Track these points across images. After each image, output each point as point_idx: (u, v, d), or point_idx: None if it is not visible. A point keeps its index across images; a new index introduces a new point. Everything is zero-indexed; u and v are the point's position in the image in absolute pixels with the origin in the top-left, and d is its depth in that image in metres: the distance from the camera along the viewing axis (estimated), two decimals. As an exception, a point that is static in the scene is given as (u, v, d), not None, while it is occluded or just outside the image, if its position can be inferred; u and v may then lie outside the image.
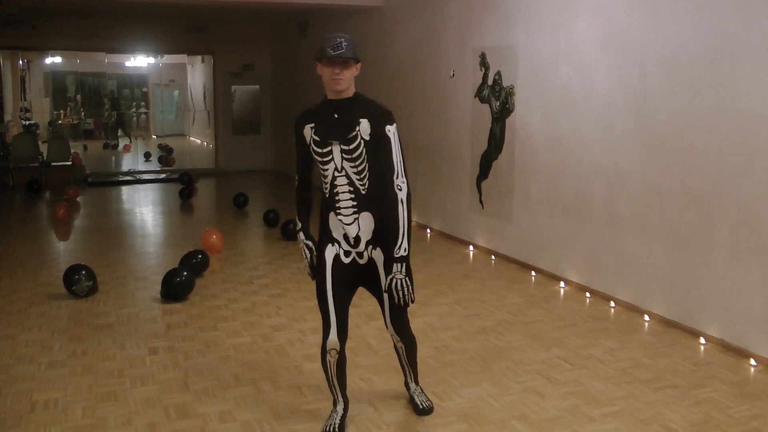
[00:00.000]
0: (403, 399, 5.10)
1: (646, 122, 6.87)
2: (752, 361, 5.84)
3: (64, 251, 10.10)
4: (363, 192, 4.28)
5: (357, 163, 4.24)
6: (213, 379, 5.47)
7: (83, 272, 7.57)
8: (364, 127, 4.22)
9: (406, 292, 4.28)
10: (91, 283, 7.57)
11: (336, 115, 4.25)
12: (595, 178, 7.57)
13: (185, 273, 7.60)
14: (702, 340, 6.30)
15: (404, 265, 4.26)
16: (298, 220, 4.62)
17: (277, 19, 17.39)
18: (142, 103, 23.03)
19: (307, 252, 4.57)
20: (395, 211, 4.25)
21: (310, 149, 4.34)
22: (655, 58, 6.72)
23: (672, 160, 6.60)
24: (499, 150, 9.19)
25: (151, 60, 21.27)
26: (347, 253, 4.38)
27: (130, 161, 21.28)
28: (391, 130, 4.24)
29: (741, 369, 5.76)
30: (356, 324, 6.61)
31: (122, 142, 22.15)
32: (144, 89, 23.40)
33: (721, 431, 4.68)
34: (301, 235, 4.58)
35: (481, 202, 9.73)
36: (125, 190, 16.47)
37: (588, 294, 7.69)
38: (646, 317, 6.90)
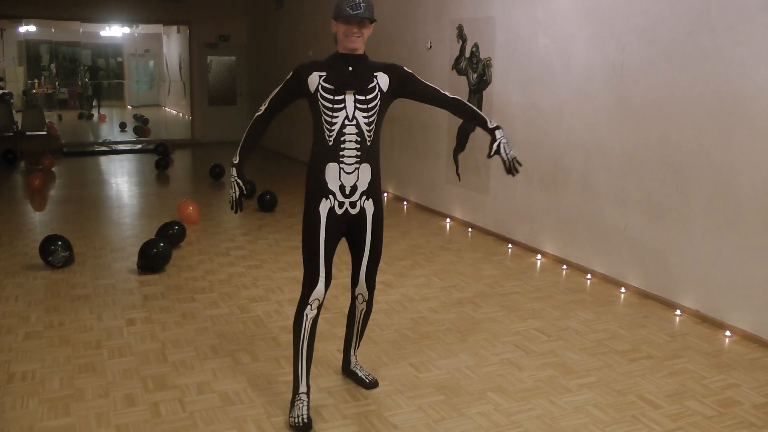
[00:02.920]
0: (383, 369, 5.12)
1: (624, 94, 6.88)
2: (727, 332, 5.91)
3: (39, 222, 10.03)
4: (368, 143, 4.36)
5: (371, 113, 4.35)
6: (191, 351, 5.46)
7: (59, 243, 7.52)
8: (382, 79, 4.41)
9: (513, 155, 4.62)
10: (67, 253, 7.53)
11: (350, 68, 4.35)
12: (573, 150, 7.58)
13: (162, 244, 7.56)
14: (678, 312, 6.36)
15: (503, 132, 4.65)
16: (239, 154, 4.50)
17: (253, -12, 17.25)
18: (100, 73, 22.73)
19: (237, 189, 4.51)
20: (469, 107, 4.70)
21: (314, 100, 4.33)
22: (634, 29, 6.72)
23: (650, 132, 6.62)
24: (477, 122, 9.18)
25: (127, 30, 21.05)
26: (341, 204, 4.40)
27: (106, 131, 21.12)
28: (408, 70, 4.60)
29: (716, 340, 5.82)
30: (334, 295, 6.61)
31: (96, 113, 21.96)
32: (119, 59, 23.18)
33: (697, 401, 4.73)
34: (235, 171, 4.49)
35: (458, 174, 9.74)
36: (101, 161, 16.35)
37: (564, 266, 7.73)
38: (623, 289, 6.95)
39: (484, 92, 9.00)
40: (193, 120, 19.59)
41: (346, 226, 4.48)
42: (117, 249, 8.38)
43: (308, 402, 4.43)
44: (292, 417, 4.37)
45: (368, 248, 4.55)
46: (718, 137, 5.98)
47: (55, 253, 7.45)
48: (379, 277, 7.20)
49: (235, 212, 4.58)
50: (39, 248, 7.57)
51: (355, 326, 4.87)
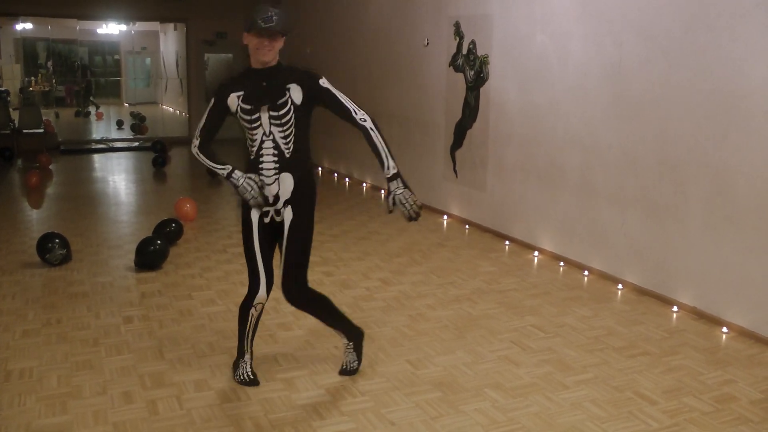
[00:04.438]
0: (380, 366, 5.13)
1: (621, 91, 6.89)
2: (724, 329, 5.91)
3: (37, 219, 10.02)
4: (287, 155, 4.46)
5: (285, 127, 4.43)
6: (188, 348, 5.46)
7: (57, 240, 7.52)
8: (295, 92, 4.41)
9: (411, 203, 4.44)
10: (64, 251, 7.52)
11: (264, 83, 4.42)
12: (570, 147, 7.59)
13: (159, 242, 7.56)
14: (675, 308, 6.36)
15: (400, 180, 4.50)
16: (221, 166, 4.51)
17: (250, -14, 17.23)
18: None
19: (252, 183, 4.49)
20: (372, 138, 4.47)
21: (235, 116, 4.46)
22: (631, 27, 6.73)
23: (647, 130, 6.62)
24: (474, 119, 9.20)
25: (123, 27, 21.03)
26: (266, 213, 4.56)
27: (103, 129, 21.10)
28: (324, 82, 4.47)
29: (713, 336, 5.82)
30: (331, 292, 6.62)
31: (94, 110, 21.94)
32: (116, 57, 23.16)
33: (694, 397, 4.73)
34: (237, 173, 4.50)
35: (455, 171, 9.74)
36: (98, 158, 16.33)
37: (562, 263, 7.74)
38: (620, 286, 6.95)
39: (481, 89, 9.00)
40: (190, 117, 19.57)
41: (275, 233, 4.64)
42: (114, 246, 8.37)
43: (251, 362, 4.89)
44: (236, 375, 4.86)
45: (283, 253, 4.58)
46: (715, 134, 5.98)
47: (53, 250, 7.45)
48: (376, 274, 7.25)
49: (259, 206, 4.54)
50: (36, 246, 7.56)
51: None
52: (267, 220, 4.57)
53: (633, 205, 6.83)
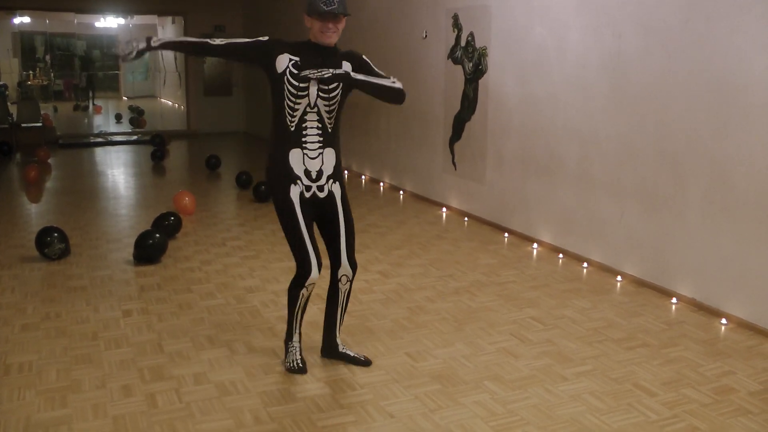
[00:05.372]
0: (379, 359, 5.13)
1: (620, 83, 6.88)
2: (723, 320, 5.91)
3: (35, 213, 10.02)
4: (330, 130, 4.55)
5: (332, 102, 4.50)
6: (187, 341, 5.46)
7: (55, 234, 7.52)
8: (346, 68, 4.49)
9: (323, 75, 4.31)
10: (63, 245, 7.52)
11: (320, 59, 4.45)
12: (569, 139, 7.58)
13: (158, 235, 7.55)
14: (674, 300, 6.36)
15: (345, 75, 4.37)
16: (163, 43, 4.53)
17: (248, -22, 17.21)
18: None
19: (135, 46, 4.46)
20: (390, 88, 4.61)
21: (279, 82, 4.43)
22: (630, 18, 6.72)
23: (646, 121, 6.62)
24: (472, 111, 9.19)
25: (121, 21, 21.00)
26: (308, 188, 4.58)
27: (102, 123, 21.08)
28: (365, 57, 4.66)
29: (712, 328, 5.83)
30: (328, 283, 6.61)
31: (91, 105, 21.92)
32: (114, 50, 23.12)
33: (693, 389, 4.74)
34: (145, 44, 4.46)
35: (454, 163, 9.74)
36: (97, 152, 16.33)
37: (561, 255, 7.74)
38: (619, 277, 6.95)
39: (479, 81, 8.99)
40: (189, 111, 19.55)
41: (316, 210, 4.66)
42: (113, 240, 8.37)
43: (301, 346, 4.93)
44: (288, 362, 4.88)
45: (343, 228, 4.73)
46: (714, 126, 5.97)
47: (52, 244, 7.44)
48: (375, 267, 7.24)
49: (128, 53, 4.50)
50: (35, 240, 7.55)
51: (339, 308, 5.00)
52: (308, 195, 4.58)
53: (632, 196, 6.83)
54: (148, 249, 7.39)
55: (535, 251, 7.96)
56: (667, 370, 5.01)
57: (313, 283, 4.67)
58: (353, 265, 4.84)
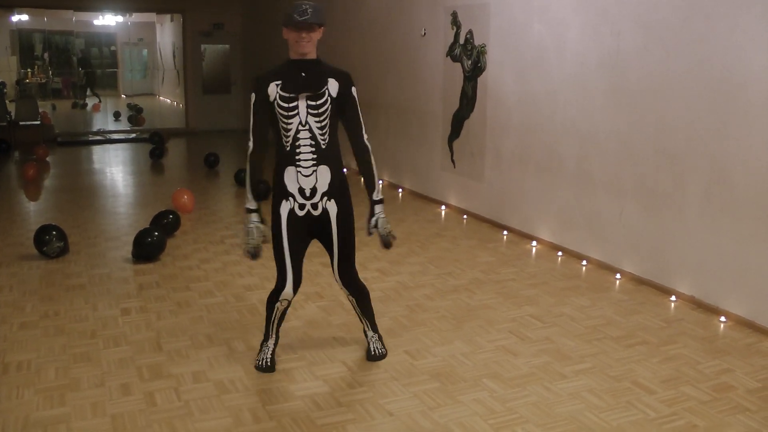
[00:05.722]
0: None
1: (619, 81, 6.88)
2: (722, 318, 5.92)
3: (34, 211, 10.01)
4: (323, 146, 4.58)
5: (322, 117, 4.55)
6: (186, 340, 5.46)
7: (54, 233, 7.52)
8: (332, 85, 4.58)
9: (389, 230, 4.81)
10: (62, 243, 7.52)
11: (303, 74, 4.55)
12: (568, 137, 7.58)
13: (156, 233, 7.55)
14: (673, 298, 6.36)
15: (382, 206, 4.84)
16: (252, 197, 4.67)
17: (247, -24, 17.19)
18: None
19: (255, 234, 4.64)
20: (369, 161, 4.77)
21: (273, 107, 4.54)
22: (629, 16, 6.71)
23: (645, 119, 6.61)
24: (471, 109, 9.18)
25: (120, 18, 20.99)
26: (302, 206, 4.64)
27: (100, 121, 21.06)
28: (354, 90, 4.67)
29: (711, 325, 5.83)
30: (328, 283, 6.63)
31: (91, 102, 21.89)
32: (112, 48, 23.11)
33: (691, 386, 4.74)
34: (255, 217, 4.66)
35: (452, 161, 9.73)
36: (95, 150, 16.31)
37: (560, 252, 7.74)
38: (618, 275, 6.95)
39: (478, 79, 8.99)
40: (187, 109, 19.53)
41: (312, 227, 4.72)
42: (112, 238, 8.37)
43: (273, 348, 4.97)
44: (257, 360, 4.94)
45: (336, 248, 4.77)
46: (713, 124, 5.97)
47: (50, 242, 7.44)
48: (374, 264, 7.24)
49: (253, 259, 4.73)
50: (33, 238, 7.55)
51: (357, 315, 5.16)
52: (302, 213, 4.63)
53: (631, 194, 6.83)
54: (147, 247, 7.39)
55: (534, 249, 7.96)
56: (666, 368, 5.01)
57: (287, 300, 4.74)
58: (345, 282, 4.88)
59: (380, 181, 4.66)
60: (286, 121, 4.53)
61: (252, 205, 4.66)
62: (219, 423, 4.24)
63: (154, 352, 5.23)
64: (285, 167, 4.59)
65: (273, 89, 4.54)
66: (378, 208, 4.80)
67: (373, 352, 5.13)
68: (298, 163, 4.55)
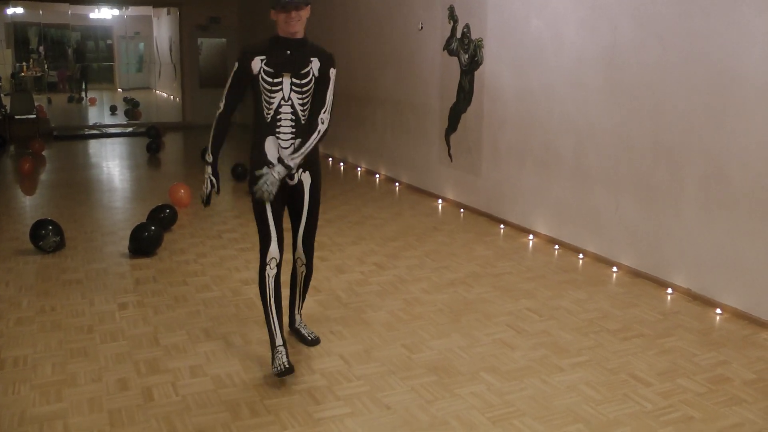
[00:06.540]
0: (376, 350, 5.13)
1: (616, 76, 6.87)
2: (718, 310, 5.92)
3: (30, 206, 10.00)
4: (302, 121, 4.74)
5: (305, 95, 4.72)
6: (183, 334, 5.46)
7: (50, 227, 7.50)
8: (315, 64, 4.72)
9: (269, 186, 4.62)
10: (58, 238, 7.51)
11: (289, 52, 4.68)
12: (565, 132, 7.58)
13: (153, 228, 7.54)
14: (669, 291, 6.37)
15: (283, 168, 4.64)
16: (211, 152, 4.89)
17: (243, -30, 17.15)
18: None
19: (209, 185, 4.92)
20: (313, 138, 4.70)
21: (256, 80, 4.68)
22: (626, 11, 6.71)
23: (641, 114, 6.61)
24: (468, 103, 9.18)
25: (116, 12, 20.95)
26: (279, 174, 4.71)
27: (96, 115, 21.03)
28: (333, 72, 4.79)
29: (707, 318, 5.83)
30: (326, 277, 6.63)
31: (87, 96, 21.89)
32: (109, 41, 23.07)
33: (688, 378, 4.74)
34: (210, 169, 4.90)
35: (450, 155, 9.73)
36: (92, 144, 16.30)
37: (557, 246, 7.74)
38: (614, 269, 6.96)
39: (475, 73, 8.98)
40: (184, 102, 19.51)
41: (286, 196, 4.88)
42: (108, 233, 8.36)
43: (286, 352, 4.70)
44: (274, 367, 4.63)
45: (305, 216, 4.98)
46: (709, 119, 5.97)
47: (46, 237, 7.43)
48: (371, 258, 7.24)
49: (206, 206, 5.06)
50: (29, 233, 7.54)
51: (297, 289, 5.30)
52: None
53: (628, 188, 6.83)
54: (144, 242, 7.38)
55: (530, 243, 7.96)
56: (662, 361, 5.02)
57: (275, 258, 4.74)
58: (307, 251, 5.09)
59: (301, 155, 4.67)
60: (269, 95, 4.68)
61: (209, 158, 4.88)
62: (217, 417, 4.24)
63: (151, 347, 5.22)
64: (266, 136, 4.73)
65: (257, 63, 4.65)
66: (279, 167, 4.61)
67: (309, 338, 5.28)
68: (278, 134, 4.71)
